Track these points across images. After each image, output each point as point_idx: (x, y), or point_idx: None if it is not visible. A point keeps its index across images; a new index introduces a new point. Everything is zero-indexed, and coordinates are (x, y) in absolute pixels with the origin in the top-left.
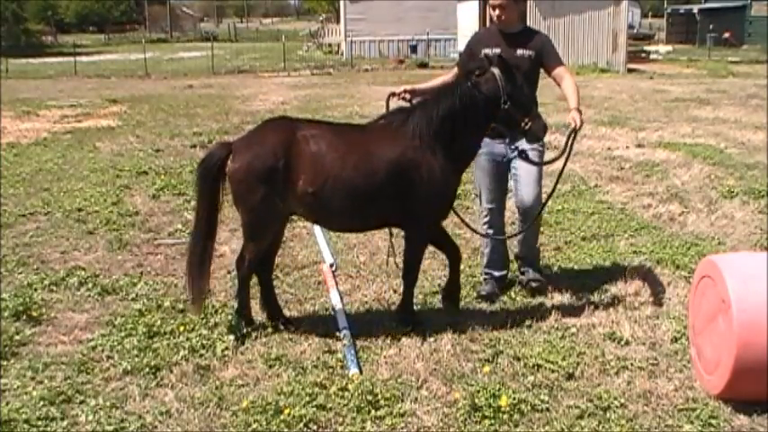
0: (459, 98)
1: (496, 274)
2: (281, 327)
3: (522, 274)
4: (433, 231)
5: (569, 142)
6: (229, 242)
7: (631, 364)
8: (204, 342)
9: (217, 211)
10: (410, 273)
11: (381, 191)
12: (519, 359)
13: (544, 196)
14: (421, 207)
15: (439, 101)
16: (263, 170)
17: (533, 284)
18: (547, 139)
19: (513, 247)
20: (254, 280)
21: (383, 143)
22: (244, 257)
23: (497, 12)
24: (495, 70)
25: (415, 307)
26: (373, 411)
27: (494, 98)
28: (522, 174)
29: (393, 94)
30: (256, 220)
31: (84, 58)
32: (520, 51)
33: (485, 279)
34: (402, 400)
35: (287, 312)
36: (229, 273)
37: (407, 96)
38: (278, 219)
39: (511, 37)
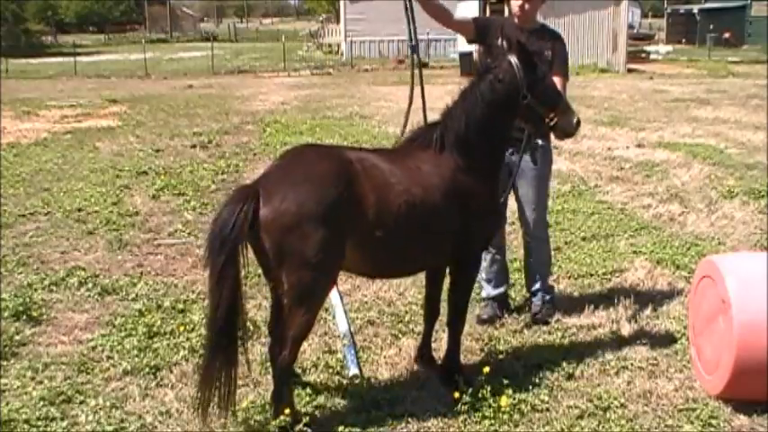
0: (481, 99)
1: (494, 292)
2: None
3: (533, 304)
4: (439, 284)
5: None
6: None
7: (631, 364)
8: (204, 342)
9: (241, 287)
10: (459, 315)
11: (442, 225)
12: (519, 359)
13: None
14: (476, 230)
15: (464, 108)
16: (323, 210)
17: (538, 317)
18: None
19: (519, 272)
20: None
21: (433, 168)
22: (287, 337)
23: (520, 2)
24: (513, 59)
25: (414, 306)
26: (373, 411)
27: (513, 91)
28: (522, 194)
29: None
30: (312, 278)
31: (84, 58)
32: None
33: (485, 303)
34: (402, 400)
35: None
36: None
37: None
38: (336, 273)
39: (527, 34)
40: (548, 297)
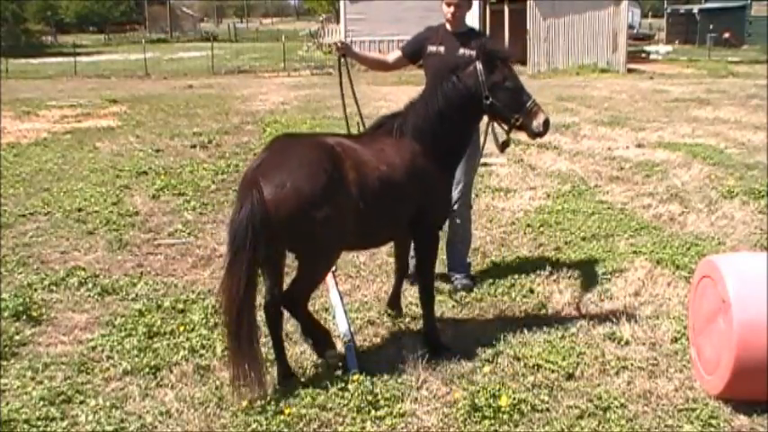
0: (444, 97)
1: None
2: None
3: (455, 280)
4: (407, 244)
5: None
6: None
7: (631, 364)
8: (204, 342)
9: (258, 262)
10: (427, 289)
11: (405, 199)
12: (519, 359)
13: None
14: (431, 210)
15: (425, 102)
16: (320, 191)
17: (459, 287)
18: (547, 139)
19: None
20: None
21: (396, 151)
22: (294, 296)
23: (452, 9)
24: (478, 64)
25: (414, 306)
26: (373, 411)
27: (476, 93)
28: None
29: (338, 48)
30: (318, 249)
31: (84, 59)
32: (462, 51)
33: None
34: (402, 400)
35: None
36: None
37: (341, 49)
38: (340, 246)
39: (456, 37)
40: (466, 276)
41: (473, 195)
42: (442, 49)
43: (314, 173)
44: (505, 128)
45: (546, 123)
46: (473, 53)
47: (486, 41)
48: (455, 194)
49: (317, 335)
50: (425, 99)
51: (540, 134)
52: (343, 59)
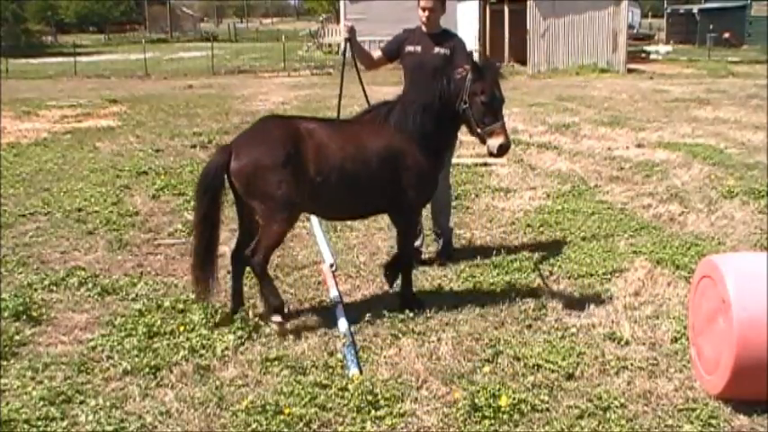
0: (433, 93)
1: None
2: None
3: (439, 243)
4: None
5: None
6: (229, 242)
7: (631, 364)
8: (204, 342)
9: (219, 211)
10: (404, 257)
11: (375, 178)
12: (519, 359)
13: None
14: (407, 192)
15: (414, 95)
16: (276, 164)
17: (441, 253)
18: (546, 139)
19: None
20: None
21: (372, 135)
22: (255, 251)
23: (426, 13)
24: (468, 75)
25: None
26: (373, 411)
27: (456, 96)
28: None
29: (347, 30)
30: (274, 206)
31: (84, 58)
32: (437, 49)
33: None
34: (402, 401)
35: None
36: (229, 272)
37: (350, 31)
38: (295, 209)
39: (431, 37)
40: (445, 241)
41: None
42: (419, 48)
43: (272, 148)
44: (470, 131)
45: (501, 147)
46: (447, 52)
47: (459, 42)
48: None
49: (271, 298)
50: (414, 92)
51: (494, 155)
52: (348, 44)
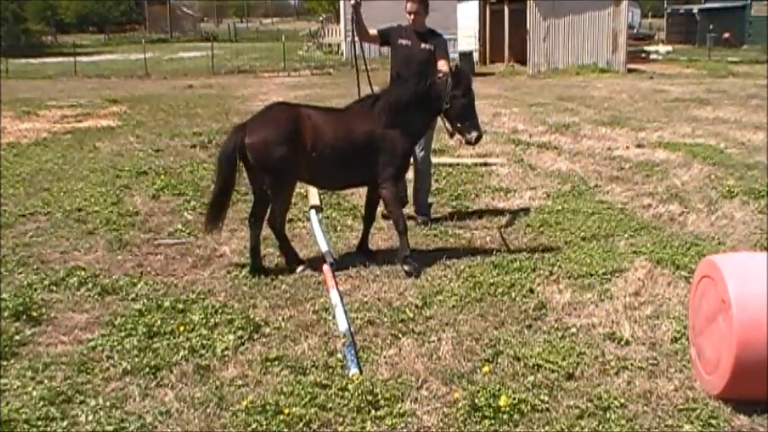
0: (413, 91)
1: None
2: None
3: (418, 217)
4: (375, 195)
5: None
6: (229, 242)
7: (631, 364)
8: (204, 342)
9: (234, 176)
10: (397, 221)
11: (360, 155)
12: (519, 359)
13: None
14: (386, 167)
15: (400, 89)
16: (280, 140)
17: (420, 222)
18: (546, 139)
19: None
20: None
21: (359, 121)
22: (274, 215)
23: (413, 16)
24: (449, 79)
25: (414, 306)
26: (373, 411)
27: (439, 98)
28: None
29: (354, 6)
30: (279, 178)
31: (84, 58)
32: (423, 45)
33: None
34: (402, 401)
35: (288, 312)
36: (229, 272)
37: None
38: (294, 177)
39: (419, 35)
40: (425, 215)
41: (473, 195)
42: (409, 42)
43: (278, 129)
44: (449, 127)
45: (478, 138)
46: (431, 47)
47: (441, 40)
48: (419, 151)
49: (290, 254)
50: (400, 87)
51: (471, 144)
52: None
